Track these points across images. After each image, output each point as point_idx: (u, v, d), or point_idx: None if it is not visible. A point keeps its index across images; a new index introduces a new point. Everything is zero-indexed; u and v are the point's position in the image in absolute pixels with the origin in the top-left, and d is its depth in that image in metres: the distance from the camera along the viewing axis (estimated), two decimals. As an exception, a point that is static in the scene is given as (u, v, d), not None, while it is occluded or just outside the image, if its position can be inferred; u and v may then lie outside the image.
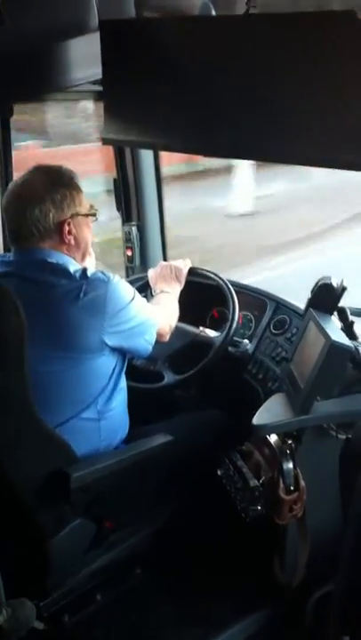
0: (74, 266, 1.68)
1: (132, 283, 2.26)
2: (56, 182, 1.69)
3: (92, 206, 1.77)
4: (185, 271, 2.16)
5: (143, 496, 1.81)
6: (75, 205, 1.70)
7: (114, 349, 1.69)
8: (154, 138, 1.50)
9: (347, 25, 1.09)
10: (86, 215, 1.74)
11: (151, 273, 2.20)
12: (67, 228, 1.69)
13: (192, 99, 1.35)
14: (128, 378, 1.94)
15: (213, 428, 1.98)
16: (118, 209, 2.59)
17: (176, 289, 2.11)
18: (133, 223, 2.58)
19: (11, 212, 1.70)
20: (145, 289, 2.22)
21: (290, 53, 1.20)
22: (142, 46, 1.43)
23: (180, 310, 2.09)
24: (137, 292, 1.75)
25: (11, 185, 1.75)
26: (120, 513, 1.76)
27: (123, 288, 1.68)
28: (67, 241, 1.70)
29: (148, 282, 2.22)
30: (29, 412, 1.51)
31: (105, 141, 1.62)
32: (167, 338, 1.95)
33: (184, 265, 2.18)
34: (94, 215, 1.77)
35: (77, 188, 1.72)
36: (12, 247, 1.73)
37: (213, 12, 1.74)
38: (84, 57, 1.68)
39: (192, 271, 2.19)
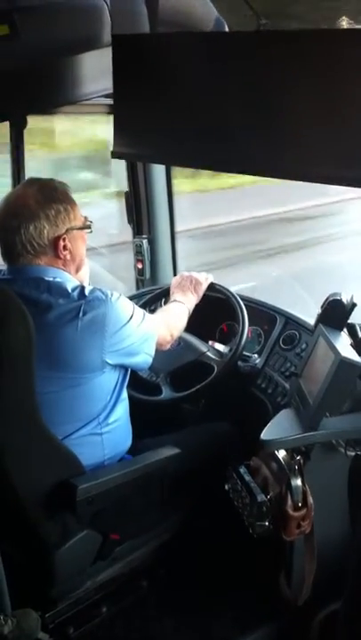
0: (71, 283, 1.66)
1: (141, 296, 2.28)
2: (49, 197, 1.66)
3: (86, 219, 1.74)
4: (205, 285, 2.14)
5: (149, 509, 1.80)
6: (69, 220, 1.68)
7: (115, 366, 1.68)
8: (162, 152, 1.50)
9: (355, 42, 1.09)
10: (81, 228, 1.72)
11: (173, 282, 2.19)
12: (62, 243, 1.66)
13: (202, 114, 1.35)
14: (129, 387, 1.94)
15: (221, 441, 1.97)
16: (130, 222, 2.60)
17: (191, 300, 2.09)
18: (144, 236, 2.59)
19: (3, 230, 1.66)
20: (155, 302, 2.22)
21: (300, 69, 1.21)
22: (154, 61, 1.44)
23: (190, 323, 2.09)
24: (135, 306, 1.73)
25: (4, 200, 1.72)
26: (126, 525, 1.76)
27: (122, 305, 1.66)
28: (62, 256, 1.68)
29: (157, 294, 2.22)
30: (37, 423, 1.51)
31: (114, 155, 1.63)
32: (167, 347, 1.93)
33: (205, 279, 2.15)
34: (89, 228, 1.75)
35: (71, 202, 1.70)
36: (6, 263, 1.70)
37: (227, 28, 1.76)
38: (97, 70, 1.69)
39: (212, 286, 2.17)
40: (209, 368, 2.07)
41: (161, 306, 2.20)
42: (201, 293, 2.13)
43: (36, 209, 1.64)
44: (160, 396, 2.07)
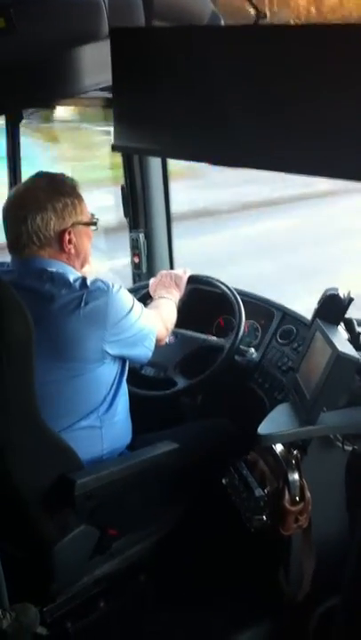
0: (73, 275, 1.67)
1: (137, 290, 2.28)
2: (58, 191, 1.68)
3: (92, 215, 1.76)
4: (185, 279, 2.16)
5: (147, 504, 1.80)
6: (76, 214, 1.69)
7: (115, 357, 1.69)
8: (162, 146, 1.50)
9: (352, 36, 1.09)
10: (87, 224, 1.74)
11: (151, 282, 2.21)
12: (67, 237, 1.68)
13: (201, 107, 1.35)
14: (138, 386, 1.93)
15: (219, 436, 1.98)
16: (126, 215, 2.59)
17: (175, 295, 2.11)
18: (141, 230, 2.59)
19: (11, 220, 1.68)
20: (150, 296, 2.22)
21: (297, 62, 1.20)
22: (152, 54, 1.43)
23: (186, 318, 2.09)
24: (135, 300, 1.74)
25: (12, 192, 1.74)
26: (124, 520, 1.76)
27: (123, 297, 1.67)
28: (67, 250, 1.69)
29: (143, 295, 2.22)
30: (35, 417, 1.51)
31: (115, 148, 1.62)
32: (165, 341, 1.95)
33: (184, 273, 2.18)
34: (95, 224, 1.76)
35: (79, 197, 1.71)
36: (11, 255, 1.72)
37: (222, 22, 1.75)
38: (95, 64, 1.68)
39: (193, 279, 2.19)
40: (216, 349, 2.07)
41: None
42: (183, 287, 2.15)
43: (44, 201, 1.66)
44: (176, 388, 2.06)
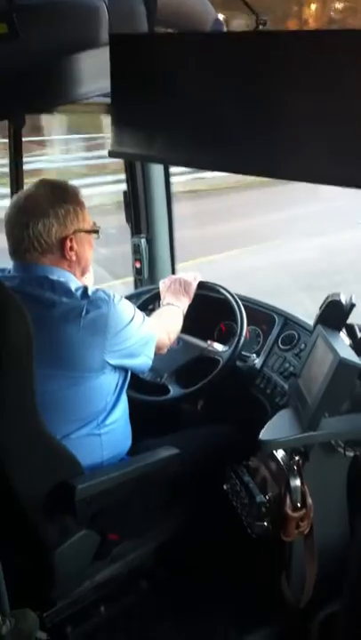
0: (75, 283, 1.68)
1: (139, 295, 2.28)
2: (60, 198, 1.69)
3: (94, 223, 1.77)
4: (194, 285, 2.16)
5: (148, 509, 1.80)
6: (78, 221, 1.70)
7: (115, 367, 1.69)
8: (161, 152, 1.50)
9: (353, 43, 1.10)
10: (89, 232, 1.74)
11: (161, 286, 2.20)
12: (69, 243, 1.68)
13: (201, 114, 1.35)
14: (134, 390, 1.93)
15: (220, 442, 1.97)
16: (128, 221, 2.60)
17: (184, 303, 2.11)
18: (143, 235, 2.59)
19: (13, 226, 1.69)
20: (153, 301, 2.22)
21: (299, 70, 1.20)
22: (152, 61, 1.44)
23: (188, 323, 2.09)
24: (136, 309, 1.75)
25: (15, 198, 1.74)
26: (125, 525, 1.76)
27: (124, 307, 1.67)
28: (68, 257, 1.69)
29: (156, 294, 2.22)
30: (36, 422, 1.50)
31: (112, 154, 1.62)
32: (165, 350, 1.95)
33: (193, 279, 2.18)
34: (97, 232, 1.77)
35: (81, 204, 1.72)
36: (13, 261, 1.72)
37: (225, 29, 1.76)
38: (96, 70, 1.69)
39: (202, 285, 2.19)
40: (214, 361, 2.07)
41: (154, 309, 2.20)
42: (192, 294, 2.15)
43: (47, 207, 1.66)
44: (168, 395, 2.06)
